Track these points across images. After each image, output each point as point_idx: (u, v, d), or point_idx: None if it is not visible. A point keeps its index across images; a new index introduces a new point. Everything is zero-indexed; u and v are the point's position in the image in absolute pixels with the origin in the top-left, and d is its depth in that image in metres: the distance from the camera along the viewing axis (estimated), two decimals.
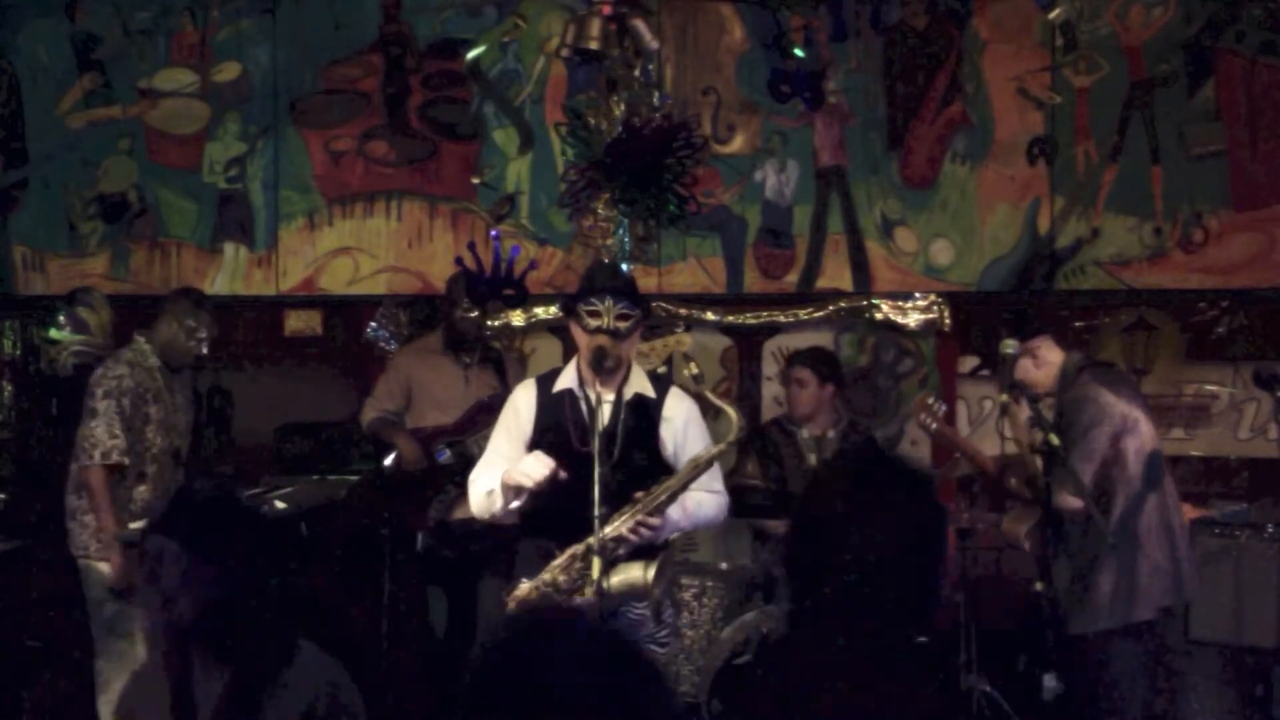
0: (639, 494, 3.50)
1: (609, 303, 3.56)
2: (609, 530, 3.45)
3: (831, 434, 5.39)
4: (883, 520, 1.90)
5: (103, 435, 4.74)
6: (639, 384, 3.70)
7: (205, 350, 4.97)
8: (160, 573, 2.47)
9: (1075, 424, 4.12)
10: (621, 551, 3.47)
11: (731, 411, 3.60)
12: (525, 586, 3.56)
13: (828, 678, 1.88)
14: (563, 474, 3.44)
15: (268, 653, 2.51)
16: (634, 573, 3.47)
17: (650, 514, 3.47)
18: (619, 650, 1.52)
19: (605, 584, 3.39)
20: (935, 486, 2.04)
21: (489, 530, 4.90)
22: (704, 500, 3.68)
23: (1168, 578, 4.16)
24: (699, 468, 3.54)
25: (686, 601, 5.07)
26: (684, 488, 3.55)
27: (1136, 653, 4.17)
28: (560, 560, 3.51)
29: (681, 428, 3.69)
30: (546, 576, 3.52)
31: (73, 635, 5.06)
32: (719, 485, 3.76)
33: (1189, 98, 5.92)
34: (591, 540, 3.38)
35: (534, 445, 3.66)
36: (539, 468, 3.47)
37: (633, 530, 3.45)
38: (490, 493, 3.60)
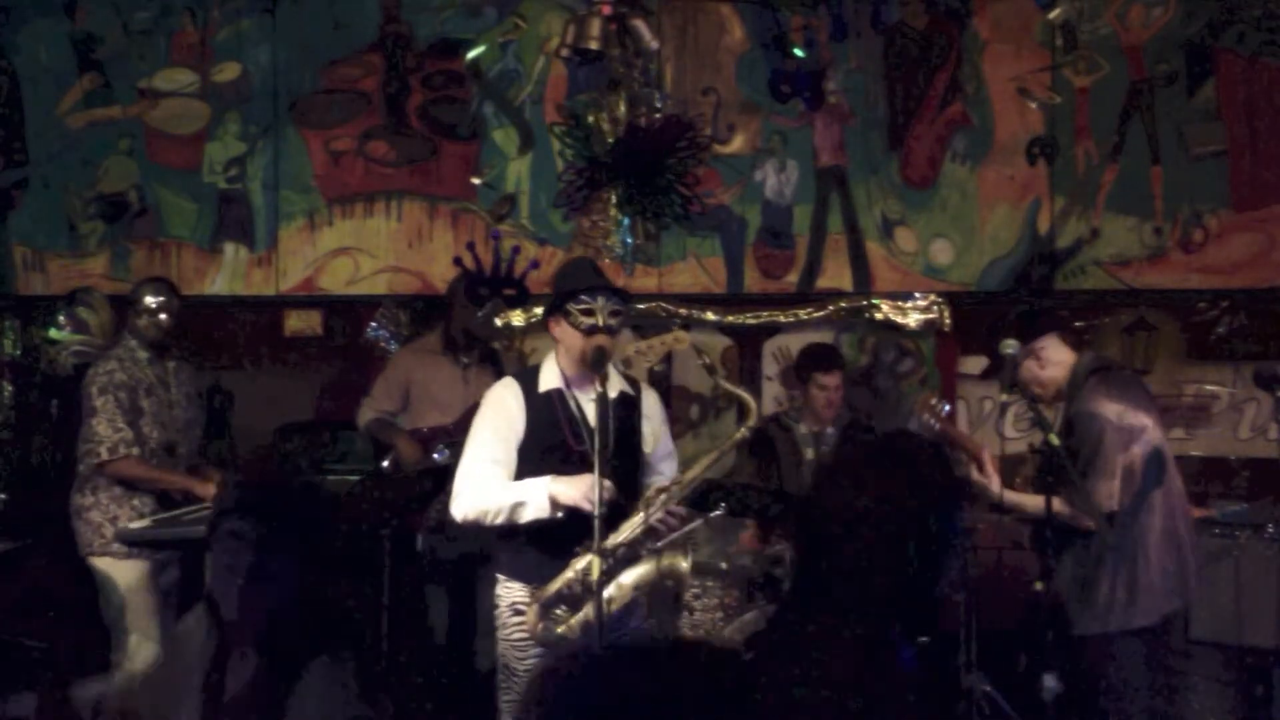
0: (659, 485, 3.56)
1: (600, 301, 3.56)
2: (628, 527, 3.49)
3: (831, 429, 5.39)
4: (896, 491, 1.94)
5: (107, 431, 4.77)
6: (617, 382, 3.71)
7: (168, 322, 4.95)
8: (238, 558, 2.42)
9: (1087, 441, 4.08)
10: (651, 545, 3.50)
11: (749, 399, 3.67)
12: (545, 590, 3.54)
13: (826, 673, 1.89)
14: (611, 492, 3.38)
15: (303, 643, 2.48)
16: (663, 562, 3.51)
17: (678, 503, 3.53)
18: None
19: (607, 585, 3.40)
20: (944, 452, 2.08)
21: (489, 530, 4.92)
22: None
23: (1173, 582, 4.13)
24: (721, 454, 3.61)
25: (686, 601, 5.07)
26: (703, 477, 3.60)
27: (1139, 654, 4.15)
28: (581, 560, 3.50)
29: (659, 424, 3.78)
30: (569, 575, 3.51)
31: (73, 635, 5.06)
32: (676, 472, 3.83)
33: (1189, 98, 5.92)
34: (608, 542, 3.41)
35: (525, 446, 3.63)
36: (591, 487, 3.37)
37: (662, 521, 3.49)
38: (520, 505, 3.50)
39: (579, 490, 3.43)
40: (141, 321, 4.95)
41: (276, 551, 2.42)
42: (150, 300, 4.95)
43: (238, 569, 2.42)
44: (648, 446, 3.74)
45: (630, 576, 3.49)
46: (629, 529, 3.50)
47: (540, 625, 3.53)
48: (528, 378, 3.71)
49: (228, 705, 2.45)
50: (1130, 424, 4.10)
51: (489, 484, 3.56)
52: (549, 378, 3.67)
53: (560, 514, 3.49)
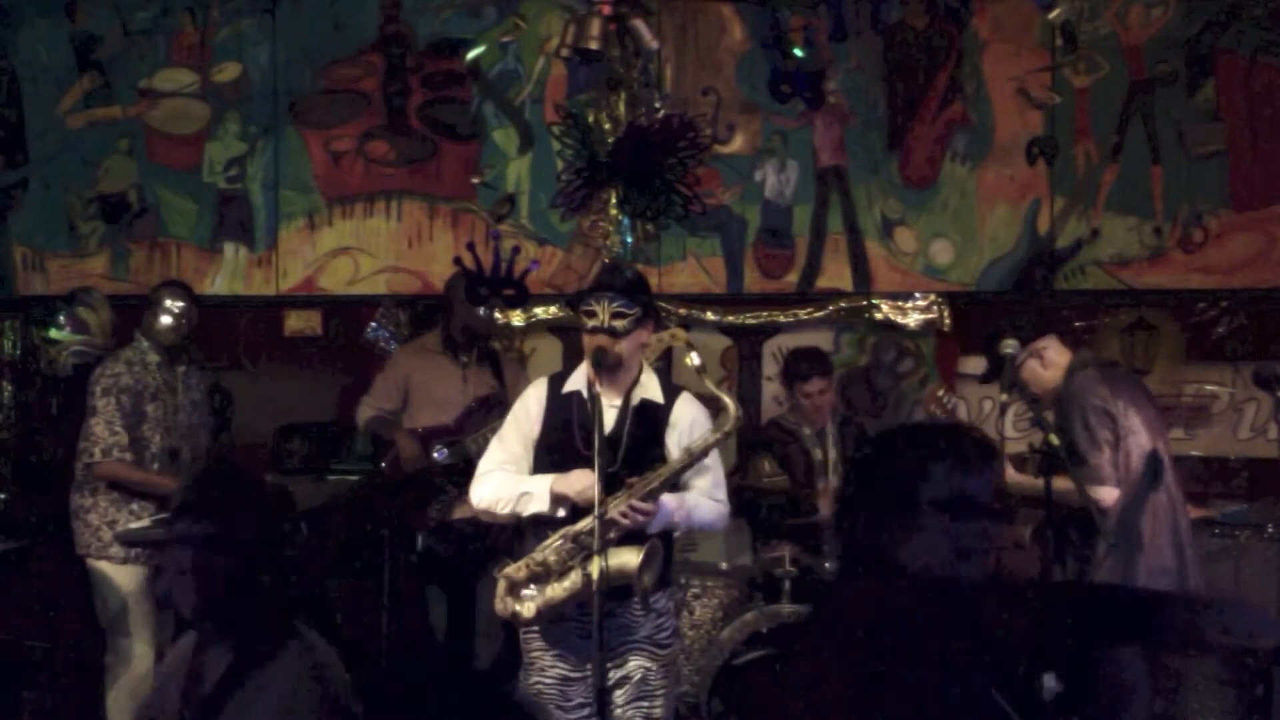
0: (632, 479, 3.50)
1: (605, 302, 3.58)
2: (589, 520, 3.45)
3: (830, 426, 5.39)
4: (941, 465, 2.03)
5: (103, 433, 4.79)
6: (649, 389, 3.69)
7: (184, 328, 5.00)
8: (188, 560, 2.46)
9: (1073, 417, 4.10)
10: (612, 535, 3.44)
11: (730, 402, 3.60)
12: (515, 565, 3.60)
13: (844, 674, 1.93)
14: (597, 488, 3.39)
15: (270, 633, 2.51)
16: (625, 557, 3.45)
17: (643, 499, 3.47)
18: None
19: (603, 577, 3.39)
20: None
21: (489, 530, 4.92)
22: (700, 504, 3.65)
23: (1170, 579, 4.14)
24: (693, 456, 3.54)
25: (686, 601, 5.07)
26: (676, 475, 3.55)
27: (1134, 653, 4.15)
28: (552, 540, 3.53)
29: (687, 431, 3.65)
30: (538, 556, 3.55)
31: (73, 635, 5.06)
32: (721, 494, 3.71)
33: (1189, 98, 5.92)
34: (585, 530, 3.43)
35: (540, 444, 3.69)
36: (584, 482, 3.46)
37: (623, 514, 3.45)
38: (525, 495, 3.59)
39: (568, 485, 3.52)
40: (157, 324, 4.96)
41: (224, 550, 2.47)
42: (169, 303, 4.98)
43: (189, 571, 2.47)
44: (673, 457, 3.61)
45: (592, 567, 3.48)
46: (587, 521, 3.47)
47: (502, 600, 3.61)
48: (559, 378, 3.78)
49: (204, 701, 2.49)
50: (1122, 407, 4.10)
51: (501, 475, 3.69)
52: (575, 380, 3.71)
53: (562, 511, 3.55)
